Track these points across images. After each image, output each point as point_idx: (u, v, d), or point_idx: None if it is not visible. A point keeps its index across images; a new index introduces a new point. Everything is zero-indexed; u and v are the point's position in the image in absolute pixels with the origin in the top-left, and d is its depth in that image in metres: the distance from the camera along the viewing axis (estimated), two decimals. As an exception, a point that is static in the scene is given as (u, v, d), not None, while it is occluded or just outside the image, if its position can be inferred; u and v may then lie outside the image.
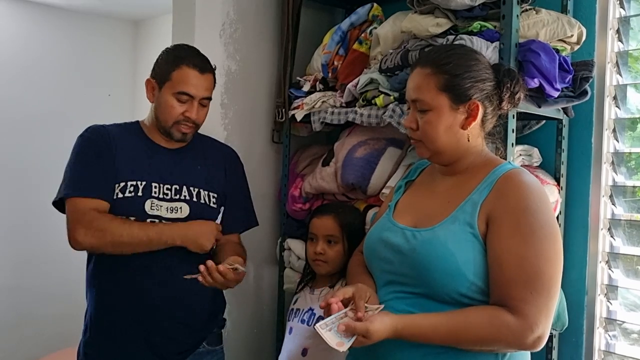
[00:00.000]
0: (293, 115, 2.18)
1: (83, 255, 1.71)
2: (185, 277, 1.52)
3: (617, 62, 1.79)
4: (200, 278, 1.52)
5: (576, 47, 1.70)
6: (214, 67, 1.73)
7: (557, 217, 1.77)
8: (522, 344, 1.17)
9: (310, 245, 1.85)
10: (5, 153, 3.59)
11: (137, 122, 1.79)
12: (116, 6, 3.77)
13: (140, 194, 1.63)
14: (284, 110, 2.22)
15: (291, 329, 1.86)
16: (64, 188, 1.62)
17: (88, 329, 1.72)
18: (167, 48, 1.74)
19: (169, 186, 1.67)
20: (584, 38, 1.68)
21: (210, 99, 1.72)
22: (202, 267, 1.50)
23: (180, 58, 1.66)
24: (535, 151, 1.79)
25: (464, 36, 1.57)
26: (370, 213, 1.89)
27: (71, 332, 2.30)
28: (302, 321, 1.82)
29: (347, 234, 1.80)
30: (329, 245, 1.80)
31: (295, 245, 2.14)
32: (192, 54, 1.70)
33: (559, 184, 1.78)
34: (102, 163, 1.63)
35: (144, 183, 1.64)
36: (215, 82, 1.74)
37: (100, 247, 1.58)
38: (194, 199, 1.69)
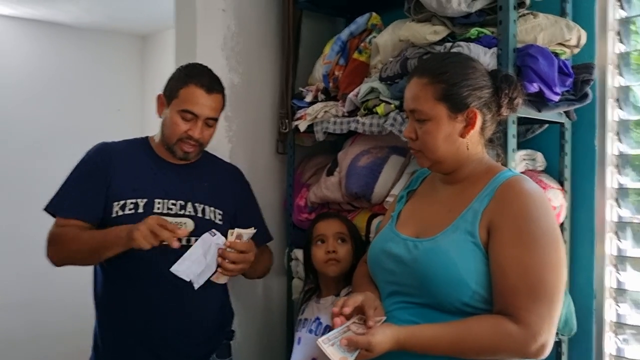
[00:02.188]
0: (296, 125, 2.19)
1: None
2: (211, 279, 1.55)
3: (618, 63, 1.78)
4: (220, 270, 1.54)
5: (576, 50, 1.70)
6: (223, 88, 1.73)
7: (563, 222, 1.76)
8: (526, 353, 1.16)
9: (319, 248, 1.81)
10: (19, 169, 3.66)
11: (147, 137, 1.82)
12: (123, 22, 3.83)
13: (140, 210, 1.64)
14: (287, 121, 2.23)
15: (299, 339, 1.86)
16: (53, 203, 1.67)
17: (97, 344, 1.74)
18: (180, 66, 1.76)
19: (174, 201, 1.68)
20: (583, 41, 1.67)
21: (216, 119, 1.72)
22: (219, 259, 1.53)
23: (189, 77, 1.68)
24: (539, 155, 1.78)
25: (462, 43, 1.58)
26: (375, 222, 1.89)
27: (84, 347, 2.32)
28: (310, 331, 1.82)
29: (352, 235, 1.82)
30: (339, 244, 1.81)
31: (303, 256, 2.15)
32: (201, 73, 1.70)
33: (563, 187, 1.77)
34: (93, 184, 1.65)
35: (145, 200, 1.65)
36: (224, 103, 1.74)
37: (63, 261, 1.64)
38: (199, 215, 1.70)
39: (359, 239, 1.85)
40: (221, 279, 1.57)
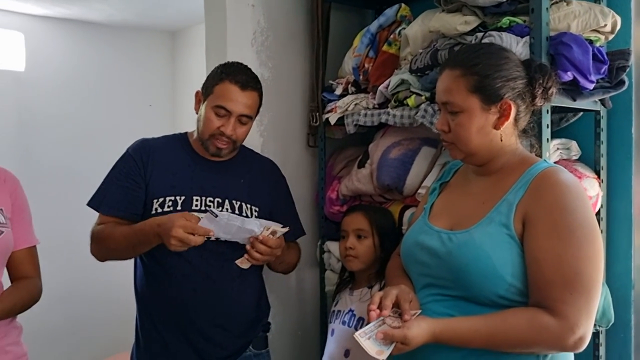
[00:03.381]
0: (327, 118, 2.19)
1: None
2: (236, 262, 1.60)
3: (656, 48, 1.74)
4: (247, 256, 1.58)
5: (611, 37, 1.66)
6: (260, 86, 1.74)
7: (599, 211, 1.73)
8: (563, 346, 1.16)
9: (342, 242, 1.88)
10: (56, 165, 3.75)
11: (185, 133, 1.84)
12: (153, 19, 3.88)
13: (179, 208, 1.67)
14: (318, 114, 2.24)
15: (333, 330, 1.88)
16: (95, 199, 1.73)
17: (138, 335, 1.79)
18: (219, 64, 1.77)
19: (211, 199, 1.71)
20: (618, 27, 1.64)
21: (250, 117, 1.72)
22: (247, 247, 1.57)
23: (225, 73, 1.69)
24: (574, 144, 1.76)
25: (493, 32, 1.56)
26: (408, 214, 1.89)
27: (124, 337, 2.39)
28: (343, 322, 1.84)
29: (377, 230, 1.82)
30: (358, 240, 1.83)
31: (335, 248, 2.16)
32: (238, 71, 1.71)
33: (599, 177, 1.74)
34: (132, 182, 1.70)
35: (183, 197, 1.68)
36: (260, 101, 1.75)
37: (105, 257, 1.71)
38: (236, 212, 1.72)
39: (387, 231, 1.84)
40: (245, 264, 1.61)
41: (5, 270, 1.57)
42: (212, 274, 1.68)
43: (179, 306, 1.69)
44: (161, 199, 1.68)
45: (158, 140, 1.81)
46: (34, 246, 1.65)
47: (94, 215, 1.75)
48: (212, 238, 1.57)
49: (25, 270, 1.60)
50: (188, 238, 1.46)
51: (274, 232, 1.58)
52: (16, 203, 1.59)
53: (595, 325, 1.56)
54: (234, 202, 1.73)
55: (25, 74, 3.70)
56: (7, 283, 1.58)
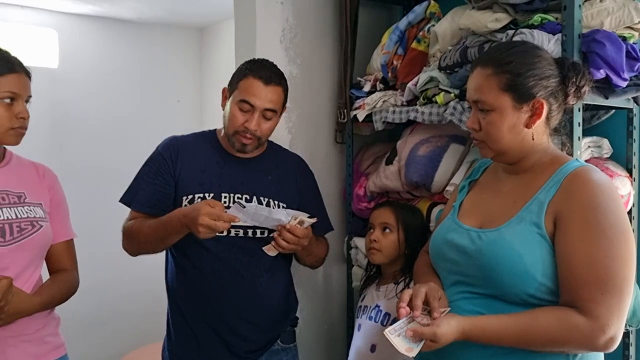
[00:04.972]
0: (355, 115, 2.20)
1: (164, 253, 1.84)
2: (263, 248, 1.63)
3: (691, 45, 1.70)
4: (273, 244, 1.60)
5: (645, 34, 1.64)
6: (284, 82, 1.74)
7: (631, 210, 1.71)
8: (594, 346, 1.15)
9: (368, 235, 1.91)
10: (87, 158, 3.83)
11: (214, 130, 1.86)
12: (182, 15, 3.93)
13: None
14: (345, 110, 2.25)
15: (359, 326, 1.90)
16: (127, 196, 1.78)
17: (169, 328, 1.83)
18: (245, 61, 1.78)
19: (239, 195, 1.73)
20: (653, 23, 1.61)
21: (275, 111, 1.72)
22: (275, 234, 1.60)
23: (250, 69, 1.71)
24: (605, 142, 1.74)
25: (525, 30, 1.55)
26: (436, 211, 1.90)
27: (155, 329, 2.44)
28: (370, 318, 1.86)
29: (403, 226, 1.84)
30: (383, 234, 1.84)
31: (362, 244, 2.17)
32: (262, 66, 1.72)
33: (631, 175, 1.72)
34: (161, 180, 1.74)
35: (212, 194, 1.71)
36: (285, 96, 1.75)
37: (137, 252, 1.75)
38: None
39: (414, 228, 1.85)
40: (272, 252, 1.64)
41: (44, 263, 1.62)
42: (241, 270, 1.71)
43: (208, 301, 1.72)
44: (190, 196, 1.71)
45: (187, 138, 1.84)
46: (72, 240, 1.69)
47: (124, 210, 1.79)
48: (240, 225, 1.58)
49: (63, 263, 1.64)
50: (215, 224, 1.49)
51: (301, 222, 1.60)
52: (54, 198, 1.64)
53: (625, 325, 1.54)
54: (262, 198, 1.75)
55: (59, 71, 3.78)
56: (45, 275, 1.63)
